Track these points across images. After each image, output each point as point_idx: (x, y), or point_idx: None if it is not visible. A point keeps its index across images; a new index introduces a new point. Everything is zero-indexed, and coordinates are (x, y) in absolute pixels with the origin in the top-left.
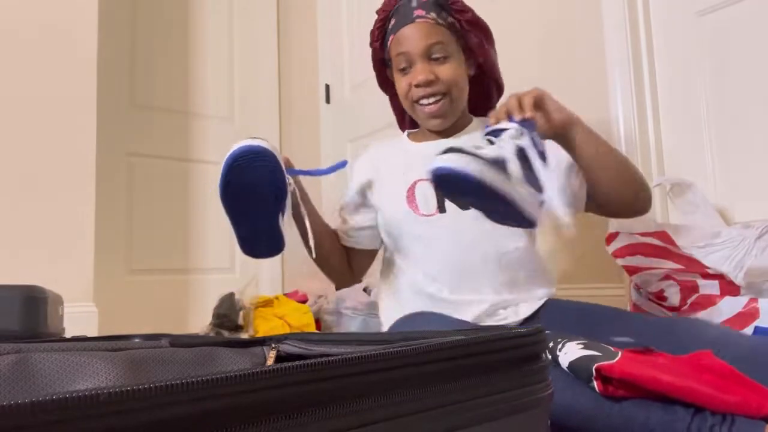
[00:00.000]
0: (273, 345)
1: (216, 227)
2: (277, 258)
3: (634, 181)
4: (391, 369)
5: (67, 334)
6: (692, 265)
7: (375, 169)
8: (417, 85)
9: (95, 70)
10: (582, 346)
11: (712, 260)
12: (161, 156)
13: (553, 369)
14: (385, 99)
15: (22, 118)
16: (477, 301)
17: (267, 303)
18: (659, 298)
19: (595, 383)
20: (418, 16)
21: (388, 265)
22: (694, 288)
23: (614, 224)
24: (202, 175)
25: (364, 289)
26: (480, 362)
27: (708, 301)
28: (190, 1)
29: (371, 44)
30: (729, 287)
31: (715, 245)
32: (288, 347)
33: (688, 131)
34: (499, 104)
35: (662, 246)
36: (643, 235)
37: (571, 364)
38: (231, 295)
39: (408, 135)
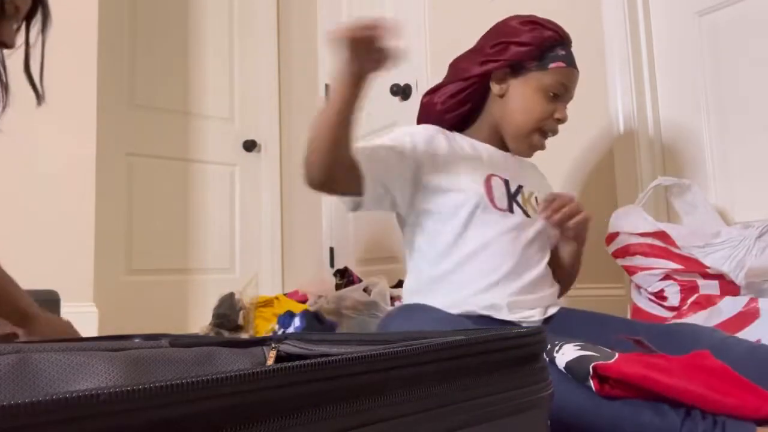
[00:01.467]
0: (273, 345)
1: (216, 227)
2: (277, 258)
3: (572, 277)
4: (392, 369)
5: None
6: (692, 265)
7: (449, 145)
8: (558, 119)
9: (95, 70)
10: (579, 347)
11: (712, 260)
12: (161, 156)
13: (550, 369)
14: (384, 99)
15: (22, 118)
16: (507, 294)
17: (267, 303)
18: (659, 297)
19: (591, 382)
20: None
21: (441, 245)
22: (694, 288)
23: (614, 224)
24: (202, 175)
25: (365, 289)
26: (480, 362)
27: (708, 301)
28: (190, 1)
29: (516, 40)
30: (729, 287)
31: (714, 245)
32: (288, 347)
33: (687, 131)
34: (554, 201)
35: (662, 246)
36: (643, 235)
37: (568, 365)
38: (231, 295)
39: (464, 133)
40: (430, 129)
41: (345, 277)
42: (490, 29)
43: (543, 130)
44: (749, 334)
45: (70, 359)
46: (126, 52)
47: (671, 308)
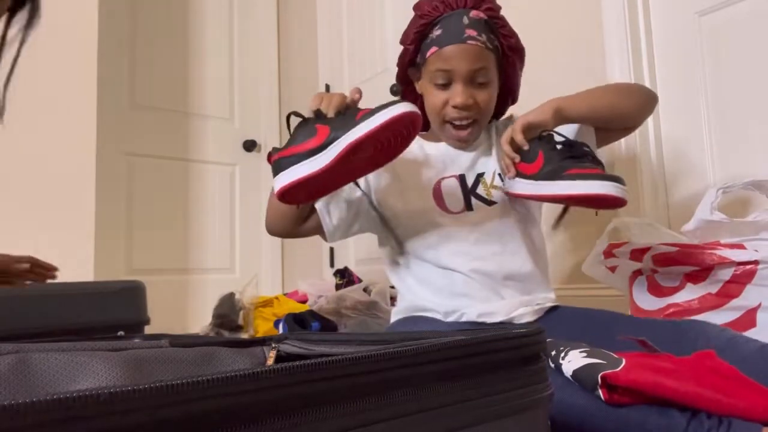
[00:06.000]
0: (273, 345)
1: (216, 227)
2: (278, 258)
3: (636, 99)
4: (392, 369)
5: None
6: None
7: (389, 168)
8: (454, 107)
9: (95, 70)
10: (585, 354)
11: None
12: (161, 156)
13: (555, 375)
14: (384, 99)
15: (23, 118)
16: (481, 299)
17: (267, 303)
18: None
19: (600, 392)
20: (469, 37)
21: (399, 261)
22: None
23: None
24: (202, 175)
25: (365, 289)
26: (480, 363)
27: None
28: (190, 1)
29: (404, 43)
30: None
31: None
32: (288, 347)
33: (688, 131)
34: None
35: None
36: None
37: (575, 373)
38: (231, 295)
39: (421, 136)
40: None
41: (345, 277)
42: None
43: (447, 121)
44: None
45: (71, 359)
46: (126, 52)
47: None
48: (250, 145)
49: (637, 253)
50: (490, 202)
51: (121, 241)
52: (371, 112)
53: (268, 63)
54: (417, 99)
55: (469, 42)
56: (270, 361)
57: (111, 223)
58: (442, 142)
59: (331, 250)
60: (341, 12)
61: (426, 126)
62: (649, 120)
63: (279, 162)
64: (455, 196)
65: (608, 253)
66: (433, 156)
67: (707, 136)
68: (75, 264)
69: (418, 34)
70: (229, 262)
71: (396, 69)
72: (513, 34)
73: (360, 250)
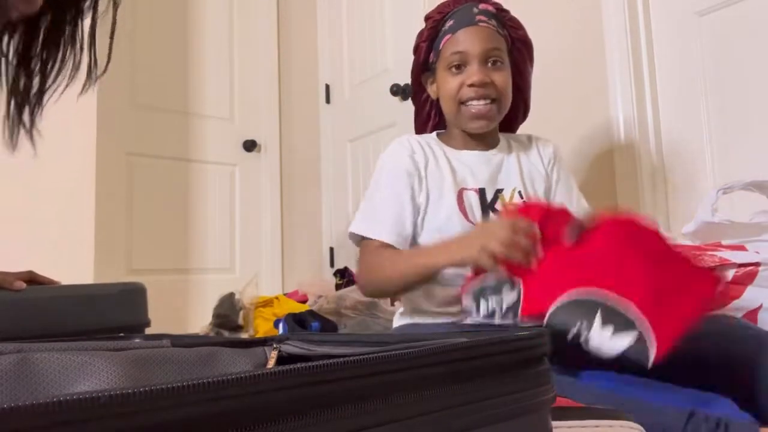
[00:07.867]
0: (274, 345)
1: (216, 227)
2: (277, 258)
3: None
4: (394, 371)
5: None
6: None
7: (418, 168)
8: (471, 85)
9: None
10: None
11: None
12: (161, 156)
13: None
14: (384, 99)
15: None
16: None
17: (267, 303)
18: None
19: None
20: (480, 21)
21: None
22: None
23: None
24: (202, 175)
25: None
26: (483, 365)
27: None
28: (190, 1)
29: (418, 43)
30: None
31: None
32: (290, 348)
33: (688, 131)
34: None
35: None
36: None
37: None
38: (231, 295)
39: (439, 137)
40: (405, 160)
41: (345, 277)
42: None
43: (464, 102)
44: None
45: (72, 359)
46: (126, 52)
47: None
48: (250, 145)
49: None
50: None
51: (121, 241)
52: None
53: (268, 63)
54: (429, 106)
55: (480, 24)
56: (272, 362)
57: (111, 223)
58: (464, 150)
59: (331, 250)
60: (341, 12)
61: (435, 127)
62: (650, 120)
63: None
64: (474, 210)
65: None
66: (457, 165)
67: (707, 136)
68: (75, 263)
69: (432, 31)
70: (229, 262)
71: (395, 69)
72: (520, 26)
73: None
